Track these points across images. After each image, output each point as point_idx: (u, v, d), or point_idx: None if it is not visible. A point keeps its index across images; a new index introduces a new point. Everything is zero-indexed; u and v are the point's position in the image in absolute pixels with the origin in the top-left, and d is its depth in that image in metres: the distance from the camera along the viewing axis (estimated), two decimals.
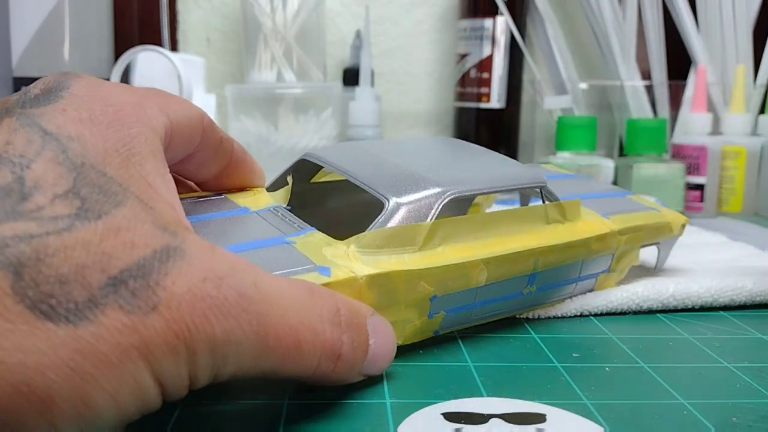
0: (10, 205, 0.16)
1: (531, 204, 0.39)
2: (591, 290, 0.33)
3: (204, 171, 0.28)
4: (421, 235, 0.26)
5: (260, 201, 0.29)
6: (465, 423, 0.21)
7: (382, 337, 0.23)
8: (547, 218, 0.30)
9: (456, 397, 0.23)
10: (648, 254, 0.38)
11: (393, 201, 0.26)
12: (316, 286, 0.22)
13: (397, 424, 0.21)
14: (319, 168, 0.33)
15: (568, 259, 0.30)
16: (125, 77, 0.63)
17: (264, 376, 0.20)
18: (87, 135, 0.19)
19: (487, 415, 0.22)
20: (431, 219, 0.26)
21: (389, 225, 0.26)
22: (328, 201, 0.34)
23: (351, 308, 0.22)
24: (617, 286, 0.34)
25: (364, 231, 0.25)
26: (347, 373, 0.22)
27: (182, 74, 0.60)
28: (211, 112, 0.69)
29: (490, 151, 0.33)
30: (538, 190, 0.31)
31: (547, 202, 0.31)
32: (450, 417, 0.22)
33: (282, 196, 0.30)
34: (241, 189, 0.30)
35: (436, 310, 0.26)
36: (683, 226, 0.36)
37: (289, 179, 0.31)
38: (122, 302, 0.16)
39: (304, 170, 0.32)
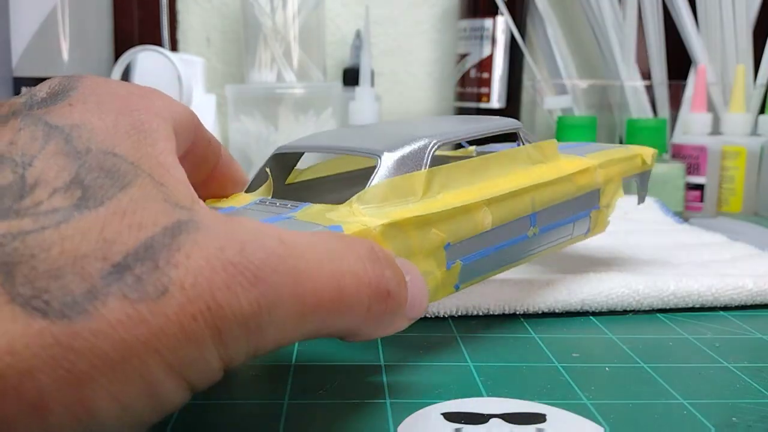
0: (7, 204, 0.16)
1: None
2: (588, 230, 0.34)
3: (193, 176, 0.27)
4: (419, 183, 0.26)
5: (243, 201, 0.29)
6: (465, 423, 0.21)
7: (414, 275, 0.22)
8: (530, 159, 0.31)
9: (456, 397, 0.23)
10: (642, 242, 0.38)
11: (386, 155, 0.26)
12: (343, 233, 0.21)
13: (397, 424, 0.21)
14: (296, 161, 0.32)
15: (561, 196, 0.31)
16: (125, 77, 0.63)
17: (312, 337, 0.18)
18: (95, 120, 0.19)
19: (487, 415, 0.22)
20: (425, 168, 0.27)
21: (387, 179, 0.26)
22: (311, 195, 0.33)
23: (382, 247, 0.21)
24: (618, 283, 0.34)
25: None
26: (396, 314, 0.21)
27: (182, 74, 0.60)
28: (211, 112, 0.69)
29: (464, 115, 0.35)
30: (516, 132, 0.32)
31: (526, 144, 0.32)
32: (450, 417, 0.22)
33: (264, 191, 0.30)
34: (224, 197, 0.29)
35: (453, 260, 0.27)
36: (654, 156, 0.38)
37: (268, 171, 0.31)
38: (127, 290, 0.15)
39: (279, 165, 0.32)
